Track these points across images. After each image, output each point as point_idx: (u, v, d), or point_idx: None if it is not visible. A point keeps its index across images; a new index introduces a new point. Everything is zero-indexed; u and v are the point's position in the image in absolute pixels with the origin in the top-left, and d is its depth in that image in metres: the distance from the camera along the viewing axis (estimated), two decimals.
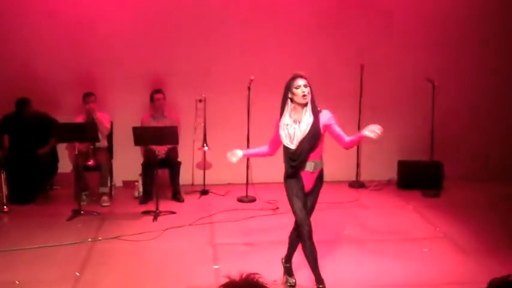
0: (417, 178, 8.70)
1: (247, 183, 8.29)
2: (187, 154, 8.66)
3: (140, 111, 8.57)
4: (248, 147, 8.24)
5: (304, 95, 5.00)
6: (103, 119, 8.20)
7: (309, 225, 5.23)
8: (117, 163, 8.60)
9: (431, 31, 9.13)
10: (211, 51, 8.82)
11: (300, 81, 5.05)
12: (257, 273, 2.21)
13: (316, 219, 7.36)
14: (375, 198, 8.42)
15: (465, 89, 9.28)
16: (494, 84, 9.34)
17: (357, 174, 9.04)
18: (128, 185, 8.70)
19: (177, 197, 8.22)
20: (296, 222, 5.30)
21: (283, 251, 6.33)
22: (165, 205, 7.82)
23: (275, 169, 8.86)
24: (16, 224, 7.42)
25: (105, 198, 8.08)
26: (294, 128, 5.04)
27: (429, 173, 8.62)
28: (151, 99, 8.43)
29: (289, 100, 5.09)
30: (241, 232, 7.02)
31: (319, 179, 5.26)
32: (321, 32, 8.95)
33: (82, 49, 8.68)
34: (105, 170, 8.15)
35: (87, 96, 8.24)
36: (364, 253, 6.37)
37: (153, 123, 8.14)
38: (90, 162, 8.05)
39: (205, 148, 8.53)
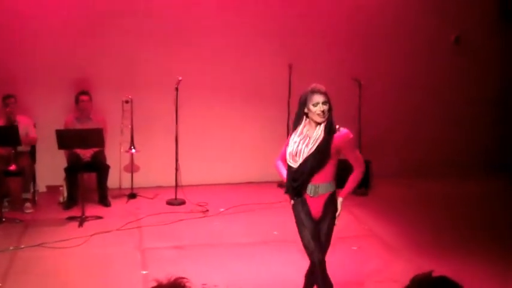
0: (346, 177, 8.74)
1: (176, 186, 8.17)
2: (114, 157, 8.46)
3: (64, 114, 8.32)
4: (177, 148, 8.14)
5: (321, 114, 4.47)
6: (26, 124, 7.93)
7: (320, 259, 4.71)
8: (40, 167, 8.32)
9: (356, 30, 9.24)
10: (137, 52, 8.65)
11: (319, 97, 4.49)
12: (185, 278, 2.20)
13: (246, 220, 7.40)
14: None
15: (390, 88, 9.42)
16: (420, 83, 9.52)
17: None
18: (52, 190, 8.43)
19: (104, 201, 8.03)
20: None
21: (213, 254, 6.29)
22: (92, 210, 7.62)
23: (204, 171, 8.88)
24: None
25: (27, 204, 7.80)
26: (302, 144, 4.51)
27: None
28: (76, 101, 8.21)
29: (304, 115, 4.57)
30: (171, 236, 6.91)
31: (329, 205, 4.64)
32: (248, 31, 8.91)
33: (2, 50, 8.36)
34: (27, 175, 7.87)
35: (7, 98, 7.95)
36: (294, 252, 6.34)
37: (78, 126, 7.93)
38: (12, 167, 7.75)
39: (133, 150, 8.36)
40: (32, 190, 7.98)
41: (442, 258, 6.01)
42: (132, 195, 8.34)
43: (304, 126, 4.57)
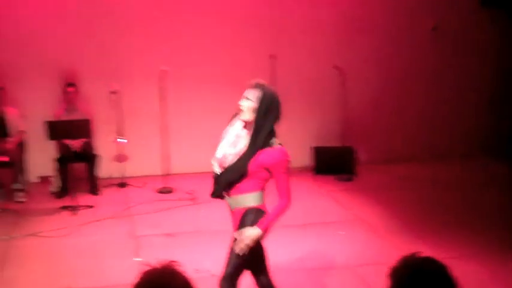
0: (331, 164, 8.94)
1: (165, 175, 8.29)
2: (102, 147, 8.55)
3: (53, 105, 8.39)
4: (164, 138, 8.24)
5: (239, 107, 4.03)
6: (14, 115, 8.00)
7: (219, 284, 4.15)
8: (32, 158, 8.40)
9: (338, 19, 9.30)
10: (122, 42, 8.70)
11: (247, 92, 4.02)
12: (176, 262, 2.29)
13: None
14: (291, 185, 8.55)
15: (372, 74, 9.54)
16: (402, 70, 9.66)
17: None
18: (45, 180, 8.52)
19: (94, 190, 8.13)
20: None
21: (204, 240, 6.43)
22: (83, 199, 7.72)
23: (193, 159, 8.98)
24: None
25: (19, 194, 7.89)
26: (227, 147, 4.11)
27: (342, 158, 8.88)
28: (64, 92, 8.29)
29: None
30: (161, 223, 7.04)
31: (246, 222, 4.00)
32: (232, 22, 9.00)
33: None
34: (18, 166, 7.96)
35: None
36: (281, 238, 6.48)
37: (66, 117, 8.00)
38: (2, 158, 7.83)
39: (121, 140, 8.46)
40: (23, 180, 8.06)
41: (426, 240, 6.19)
42: (122, 184, 8.45)
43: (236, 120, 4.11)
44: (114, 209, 7.46)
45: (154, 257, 5.45)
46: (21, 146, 8.22)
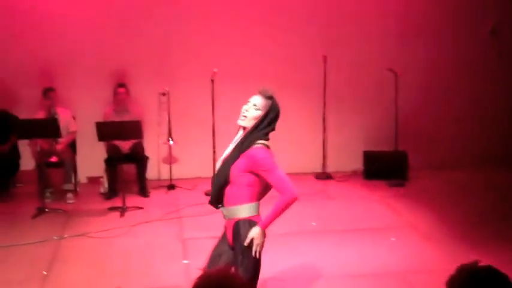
0: (382, 168, 8.77)
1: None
2: (152, 149, 8.57)
3: (103, 106, 8.45)
4: (214, 140, 8.20)
5: (241, 113, 3.91)
6: (66, 116, 8.08)
7: None
8: (81, 159, 8.46)
9: (393, 21, 9.18)
10: (174, 44, 8.73)
11: (254, 98, 3.92)
12: (231, 266, 2.24)
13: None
14: (342, 189, 8.46)
15: (427, 78, 9.35)
16: (456, 74, 9.43)
17: (323, 166, 9.05)
18: (93, 181, 8.58)
19: (143, 192, 8.14)
20: None
21: None
22: (132, 201, 7.72)
23: None
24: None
25: (69, 195, 7.96)
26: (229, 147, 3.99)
27: (394, 163, 8.70)
28: (114, 93, 8.34)
29: None
30: (210, 226, 6.95)
31: (238, 235, 3.83)
32: (285, 23, 8.92)
33: (42, 43, 8.49)
34: (68, 166, 8.02)
35: (48, 91, 8.11)
36: (332, 244, 6.39)
37: (116, 118, 8.02)
38: (53, 159, 7.92)
39: (171, 142, 8.46)
40: (73, 181, 8.12)
41: (481, 248, 5.97)
42: (171, 186, 8.44)
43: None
44: (162, 211, 7.44)
45: (202, 260, 5.41)
46: (71, 146, 8.29)
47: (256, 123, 3.84)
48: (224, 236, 4.03)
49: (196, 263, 5.80)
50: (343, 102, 9.07)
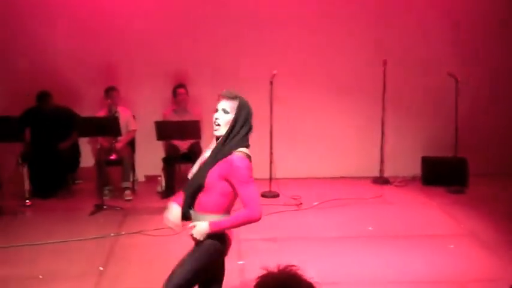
0: (441, 174, 8.59)
1: (270, 179, 8.23)
2: None
3: (162, 106, 8.54)
4: (271, 141, 8.19)
5: (215, 123, 3.69)
6: (126, 115, 8.20)
7: None
8: (140, 157, 8.57)
9: (454, 25, 9.00)
10: (235, 45, 8.77)
11: (221, 103, 3.71)
12: (295, 265, 2.16)
13: (340, 215, 7.36)
14: (399, 195, 8.31)
15: (489, 83, 9.13)
16: None
17: (381, 170, 8.91)
18: (151, 179, 8.68)
19: None
20: None
21: (308, 247, 6.29)
22: None
23: (298, 164, 8.89)
24: (38, 218, 7.43)
25: (127, 192, 8.06)
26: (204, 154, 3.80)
27: (454, 169, 8.50)
28: (174, 94, 8.41)
29: None
30: (265, 228, 6.93)
31: (200, 242, 3.70)
32: (343, 27, 8.85)
33: (105, 43, 8.68)
34: (127, 164, 8.13)
35: (110, 90, 8.25)
36: (388, 250, 6.28)
37: (175, 118, 8.09)
38: (112, 157, 8.03)
39: None
40: (131, 179, 8.22)
41: None
42: None
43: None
44: None
45: (258, 261, 5.37)
46: (130, 145, 8.40)
47: (230, 126, 3.67)
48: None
49: (251, 264, 5.81)
50: (402, 106, 8.93)
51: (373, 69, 8.74)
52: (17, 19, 8.57)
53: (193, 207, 3.75)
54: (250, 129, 3.74)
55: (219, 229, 3.61)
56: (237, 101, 3.70)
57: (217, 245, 3.72)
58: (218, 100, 3.70)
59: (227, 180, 3.60)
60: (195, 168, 3.77)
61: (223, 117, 3.66)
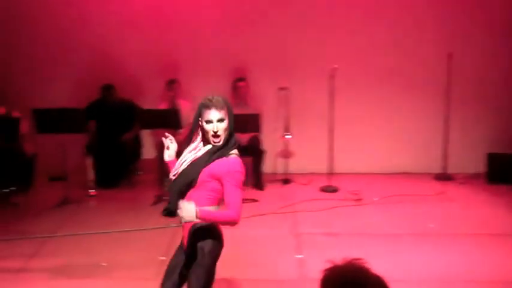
0: (508, 172, 8.35)
1: (329, 173, 8.18)
2: (269, 143, 8.61)
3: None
4: (331, 136, 8.14)
5: (215, 135, 3.64)
6: (187, 108, 8.26)
7: None
8: None
9: None
10: (294, 40, 8.72)
11: (213, 114, 3.62)
12: (361, 258, 2.12)
13: (401, 211, 7.26)
14: (462, 192, 8.12)
15: None
16: None
17: (444, 167, 8.74)
18: None
19: (259, 185, 8.20)
20: None
21: (366, 242, 6.23)
22: (247, 193, 7.75)
23: (358, 159, 8.81)
24: (102, 207, 7.59)
25: None
26: (189, 154, 3.75)
27: None
28: (234, 87, 8.44)
29: (200, 130, 3.74)
30: (324, 222, 6.92)
31: (194, 240, 3.71)
32: (408, 19, 8.69)
33: (168, 37, 8.76)
34: None
35: (171, 83, 8.34)
36: (450, 247, 6.16)
37: (235, 111, 8.08)
38: None
39: (288, 137, 8.47)
40: None
41: None
42: (286, 181, 8.45)
43: (199, 142, 3.75)
44: (277, 205, 7.46)
45: (316, 255, 5.35)
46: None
47: (229, 131, 3.66)
48: (181, 245, 3.87)
49: (310, 258, 5.80)
50: (468, 101, 8.72)
51: (437, 62, 8.57)
52: (82, 13, 8.75)
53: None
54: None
55: (204, 216, 3.46)
56: (226, 106, 3.66)
57: (217, 245, 3.74)
58: (208, 109, 3.62)
59: (218, 180, 3.58)
60: (184, 165, 3.71)
61: (220, 126, 3.63)
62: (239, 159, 3.62)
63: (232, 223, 3.52)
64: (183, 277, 3.80)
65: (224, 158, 3.60)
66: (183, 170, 3.69)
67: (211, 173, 3.58)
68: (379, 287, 2.07)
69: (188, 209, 3.38)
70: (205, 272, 3.70)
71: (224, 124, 3.63)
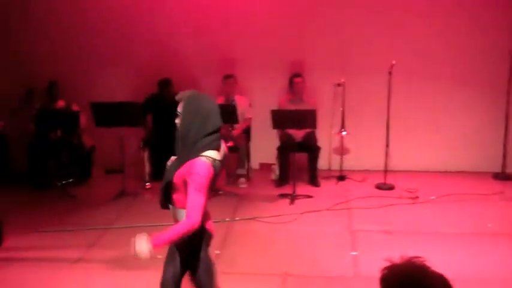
0: None
1: (385, 170, 8.09)
2: (324, 139, 8.58)
3: (278, 95, 8.58)
4: (387, 133, 8.05)
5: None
6: (243, 104, 8.32)
7: (162, 281, 3.85)
8: (255, 145, 8.67)
9: None
10: (351, 36, 8.65)
11: (179, 107, 3.57)
12: (421, 257, 2.08)
13: (458, 210, 7.13)
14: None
15: None
16: None
17: (503, 166, 8.54)
18: (265, 167, 8.77)
19: (314, 181, 8.17)
20: None
21: (423, 241, 6.14)
22: (302, 189, 7.79)
23: (415, 157, 8.69)
24: (157, 201, 7.66)
25: (242, 179, 8.20)
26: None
27: None
28: (290, 83, 8.42)
29: None
30: (380, 220, 6.86)
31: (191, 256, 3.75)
32: (468, 15, 8.50)
33: (225, 34, 8.82)
34: (243, 152, 8.25)
35: (227, 78, 8.39)
36: (509, 247, 6.02)
37: (291, 107, 8.10)
38: (229, 144, 8.16)
39: (343, 133, 8.41)
40: (246, 166, 8.34)
41: None
42: (341, 177, 8.40)
43: None
44: (332, 201, 7.42)
45: (371, 253, 5.30)
46: (246, 133, 8.50)
47: (179, 127, 3.55)
48: None
49: (365, 256, 5.75)
50: None
51: (498, 59, 8.37)
52: (140, 9, 8.88)
53: (172, 203, 3.68)
54: (214, 127, 3.55)
55: (159, 243, 3.41)
56: (185, 102, 3.54)
57: (204, 248, 3.77)
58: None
59: (181, 179, 3.50)
60: (169, 163, 3.73)
61: (177, 120, 3.56)
62: (205, 162, 3.43)
63: (191, 230, 3.39)
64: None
65: (193, 159, 3.45)
66: (165, 170, 3.69)
67: (179, 174, 3.50)
68: (443, 287, 2.03)
69: (140, 246, 3.37)
70: (202, 265, 3.76)
71: (179, 119, 3.53)
